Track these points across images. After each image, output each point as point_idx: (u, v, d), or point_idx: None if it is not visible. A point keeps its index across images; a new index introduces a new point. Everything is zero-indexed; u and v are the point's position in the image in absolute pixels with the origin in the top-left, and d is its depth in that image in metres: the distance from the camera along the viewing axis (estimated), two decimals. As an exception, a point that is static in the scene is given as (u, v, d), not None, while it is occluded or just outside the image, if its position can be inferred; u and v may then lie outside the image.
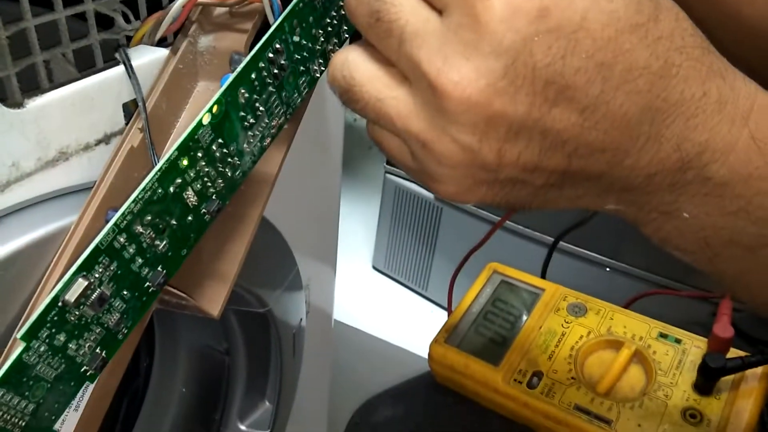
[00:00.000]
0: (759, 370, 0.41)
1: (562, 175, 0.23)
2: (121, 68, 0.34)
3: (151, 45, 0.36)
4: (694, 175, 0.23)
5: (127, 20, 0.37)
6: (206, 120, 0.28)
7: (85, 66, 0.35)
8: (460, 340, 0.46)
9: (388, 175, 1.19)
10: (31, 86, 0.32)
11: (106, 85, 0.34)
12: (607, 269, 0.94)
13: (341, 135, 0.60)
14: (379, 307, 1.22)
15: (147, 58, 0.35)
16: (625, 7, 0.21)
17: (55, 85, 0.32)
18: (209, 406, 0.64)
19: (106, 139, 0.34)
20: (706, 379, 0.40)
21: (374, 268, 1.31)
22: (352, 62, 0.25)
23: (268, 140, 0.32)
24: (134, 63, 0.34)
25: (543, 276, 0.54)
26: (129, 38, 0.36)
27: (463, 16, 0.21)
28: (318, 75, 0.34)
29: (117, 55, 0.34)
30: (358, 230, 1.39)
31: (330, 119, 0.56)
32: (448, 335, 0.46)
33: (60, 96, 0.32)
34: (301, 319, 0.61)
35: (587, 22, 0.21)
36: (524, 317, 0.47)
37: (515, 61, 0.21)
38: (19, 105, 0.30)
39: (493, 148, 0.22)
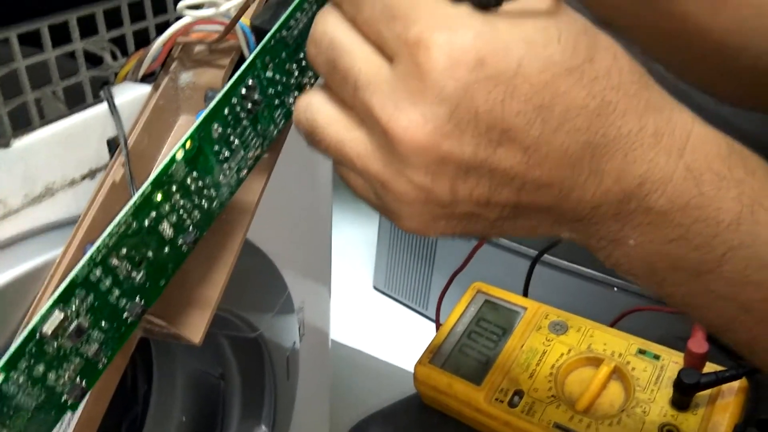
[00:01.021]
0: (735, 384, 0.41)
1: (514, 209, 0.25)
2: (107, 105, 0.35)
3: (135, 81, 0.38)
4: (636, 205, 0.24)
5: (115, 57, 0.39)
6: (179, 156, 0.29)
7: (75, 102, 0.36)
8: (444, 361, 0.47)
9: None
10: (22, 123, 0.34)
11: (92, 121, 0.35)
12: (615, 289, 0.95)
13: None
14: (381, 327, 1.23)
15: (131, 94, 0.36)
16: (561, 52, 0.22)
17: (43, 122, 0.34)
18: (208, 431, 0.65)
19: (91, 174, 0.36)
20: (682, 395, 0.41)
21: (375, 288, 1.32)
22: (314, 105, 0.26)
23: (245, 171, 0.33)
24: (118, 100, 0.36)
25: (525, 293, 0.55)
26: (117, 74, 0.38)
27: (409, 65, 0.23)
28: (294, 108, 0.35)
29: (101, 93, 0.36)
30: (358, 251, 1.40)
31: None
32: (432, 356, 0.47)
33: (47, 134, 0.33)
34: (294, 342, 0.62)
35: (523, 68, 0.22)
36: (507, 336, 0.48)
37: (458, 107, 0.22)
38: (5, 145, 0.32)
39: (446, 187, 0.24)
